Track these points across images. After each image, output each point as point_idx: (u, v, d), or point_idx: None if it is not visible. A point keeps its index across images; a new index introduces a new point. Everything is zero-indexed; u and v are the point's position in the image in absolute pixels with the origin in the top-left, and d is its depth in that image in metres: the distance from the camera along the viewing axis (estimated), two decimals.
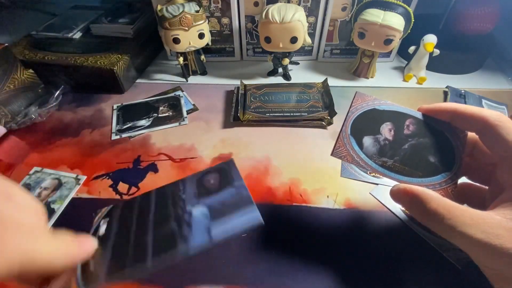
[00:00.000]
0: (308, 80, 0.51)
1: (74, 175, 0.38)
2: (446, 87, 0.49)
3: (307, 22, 0.48)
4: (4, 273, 0.16)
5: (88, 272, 0.20)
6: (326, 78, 0.48)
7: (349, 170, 0.37)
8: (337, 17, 0.51)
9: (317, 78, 0.51)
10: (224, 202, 0.22)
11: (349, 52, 0.55)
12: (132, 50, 0.52)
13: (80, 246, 0.20)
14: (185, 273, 0.29)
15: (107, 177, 0.38)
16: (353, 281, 0.28)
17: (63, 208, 0.34)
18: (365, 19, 0.45)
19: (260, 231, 0.32)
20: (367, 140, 0.26)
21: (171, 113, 0.46)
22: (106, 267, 0.20)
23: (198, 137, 0.43)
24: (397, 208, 0.33)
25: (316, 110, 0.44)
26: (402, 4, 0.44)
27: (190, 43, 0.48)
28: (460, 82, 0.51)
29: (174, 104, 0.48)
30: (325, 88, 0.48)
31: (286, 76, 0.53)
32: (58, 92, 0.48)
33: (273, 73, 0.54)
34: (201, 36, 0.48)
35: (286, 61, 0.50)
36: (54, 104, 0.47)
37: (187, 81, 0.53)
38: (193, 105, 0.48)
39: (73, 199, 0.35)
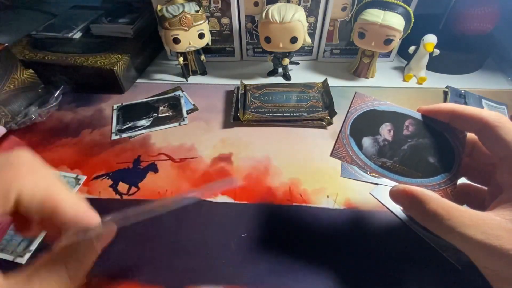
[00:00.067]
0: (308, 80, 0.51)
1: (74, 175, 0.38)
2: (446, 87, 0.49)
3: (307, 22, 0.48)
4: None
5: None
6: (326, 78, 0.48)
7: (349, 170, 0.37)
8: (337, 17, 0.51)
9: (317, 78, 0.51)
10: None
11: (349, 52, 0.55)
12: (132, 50, 0.52)
13: (89, 211, 0.20)
14: (185, 273, 0.29)
15: (107, 177, 0.38)
16: (353, 281, 0.28)
17: None
18: (365, 19, 0.45)
19: (260, 231, 0.32)
20: (367, 141, 0.26)
21: (171, 113, 0.46)
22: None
23: (198, 137, 0.43)
24: (397, 208, 0.33)
25: (316, 110, 0.44)
26: (402, 4, 0.44)
27: (190, 43, 0.48)
28: (460, 82, 0.51)
29: (174, 104, 0.48)
30: (325, 88, 0.48)
31: (286, 76, 0.53)
32: (58, 92, 0.48)
33: (273, 73, 0.54)
34: (201, 36, 0.48)
35: (286, 61, 0.50)
36: (54, 104, 0.47)
37: (187, 81, 0.53)
38: (193, 105, 0.48)
39: None
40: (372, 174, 0.37)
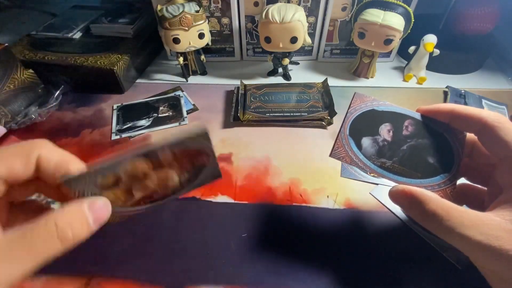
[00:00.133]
0: (308, 80, 0.51)
1: None
2: (446, 87, 0.49)
3: (307, 22, 0.48)
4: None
5: None
6: (326, 78, 0.48)
7: (349, 170, 0.37)
8: (337, 17, 0.51)
9: (317, 78, 0.51)
10: None
11: (349, 52, 0.55)
12: (132, 50, 0.52)
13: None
14: (185, 273, 0.29)
15: None
16: (353, 281, 0.28)
17: None
18: (365, 19, 0.45)
19: (260, 231, 0.32)
20: (366, 141, 0.26)
21: (171, 113, 0.46)
22: None
23: None
24: (397, 208, 0.33)
25: (316, 110, 0.44)
26: (402, 4, 0.44)
27: (190, 43, 0.48)
28: (460, 82, 0.51)
29: (174, 104, 0.48)
30: (325, 88, 0.48)
31: (286, 76, 0.53)
32: (58, 92, 0.48)
33: (273, 73, 0.54)
34: (201, 36, 0.48)
35: (286, 61, 0.50)
36: (54, 104, 0.47)
37: (187, 81, 0.53)
38: (193, 105, 0.48)
39: None
40: (372, 174, 0.37)
